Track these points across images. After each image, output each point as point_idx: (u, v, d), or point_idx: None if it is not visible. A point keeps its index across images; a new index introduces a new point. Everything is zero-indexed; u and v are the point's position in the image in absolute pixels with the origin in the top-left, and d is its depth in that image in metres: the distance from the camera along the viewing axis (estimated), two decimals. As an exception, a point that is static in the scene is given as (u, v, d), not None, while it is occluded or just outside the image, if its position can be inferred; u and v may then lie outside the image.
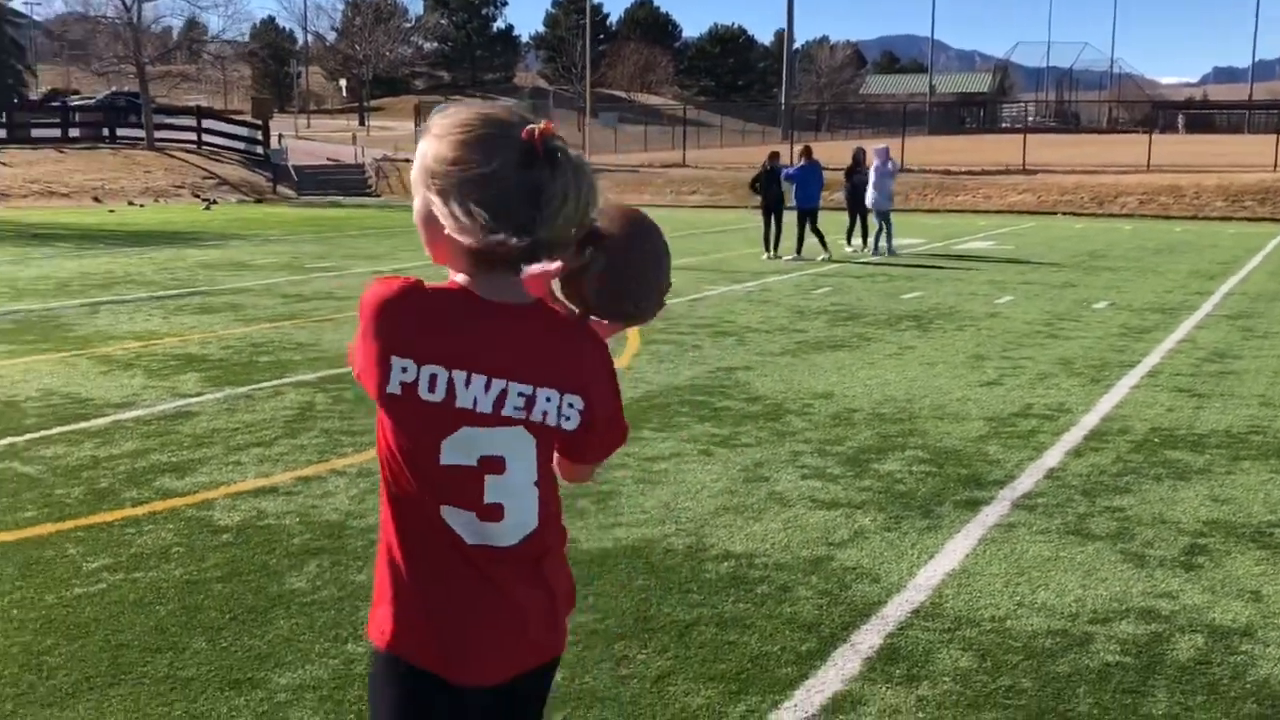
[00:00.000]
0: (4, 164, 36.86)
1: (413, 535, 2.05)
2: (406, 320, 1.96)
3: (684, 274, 17.67)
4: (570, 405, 2.07)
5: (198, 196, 37.00)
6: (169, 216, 29.95)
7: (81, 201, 34.07)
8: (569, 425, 2.08)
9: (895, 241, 21.64)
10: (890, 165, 21.15)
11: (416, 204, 2.03)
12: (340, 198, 40.06)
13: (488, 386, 2.00)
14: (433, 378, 1.97)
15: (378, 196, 41.86)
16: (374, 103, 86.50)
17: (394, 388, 1.96)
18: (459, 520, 2.04)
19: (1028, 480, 6.83)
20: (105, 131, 44.66)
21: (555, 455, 2.16)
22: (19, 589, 5.00)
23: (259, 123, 46.09)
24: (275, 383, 9.31)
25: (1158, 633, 4.72)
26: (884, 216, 20.96)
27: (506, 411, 2.02)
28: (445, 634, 2.06)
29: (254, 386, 9.14)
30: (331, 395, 8.88)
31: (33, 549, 5.48)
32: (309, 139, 54.04)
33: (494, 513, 2.06)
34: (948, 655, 4.52)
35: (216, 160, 42.92)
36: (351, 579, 5.17)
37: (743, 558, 5.54)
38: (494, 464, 2.04)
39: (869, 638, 4.69)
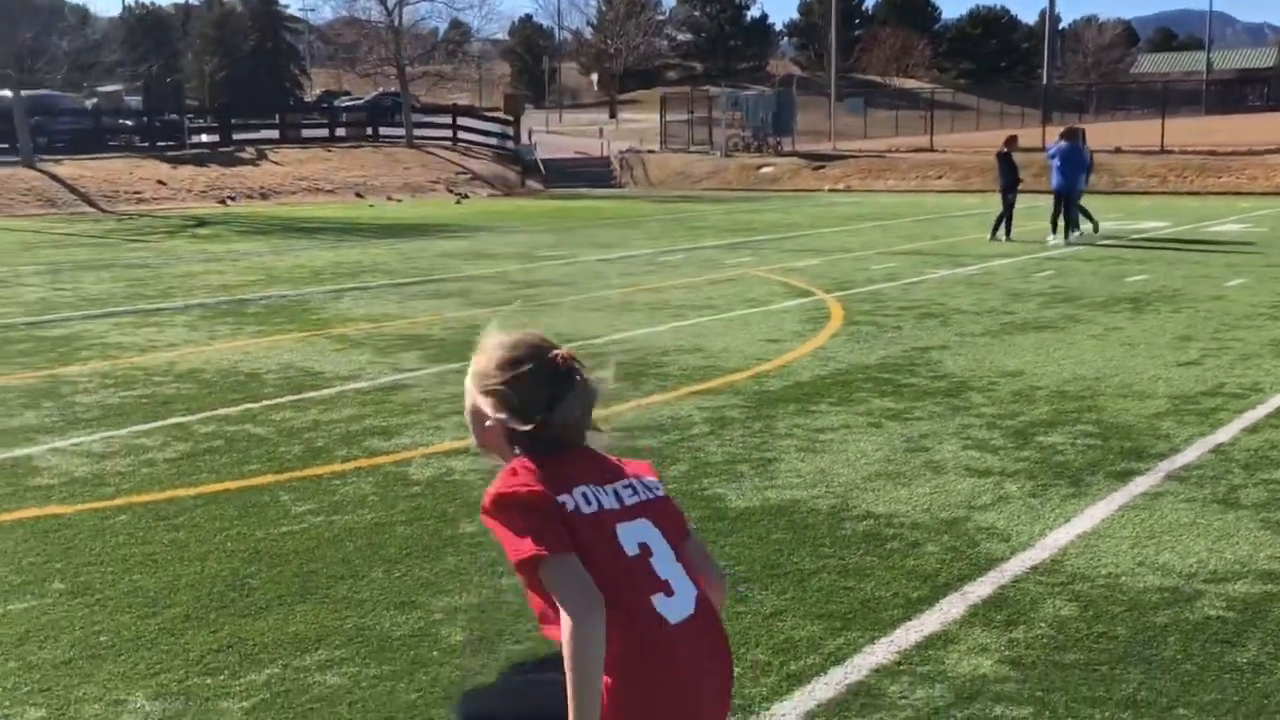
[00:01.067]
0: (276, 163, 39.78)
1: None
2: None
3: (906, 258, 17.83)
4: None
5: (451, 191, 39.02)
6: (423, 210, 31.79)
7: (345, 197, 36.47)
8: None
9: (1085, 229, 20.80)
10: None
11: (467, 402, 2.63)
12: (586, 189, 41.47)
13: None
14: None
15: (621, 187, 43.12)
16: (626, 95, 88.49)
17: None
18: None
19: (1191, 454, 6.94)
20: (369, 130, 47.49)
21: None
22: (235, 526, 5.87)
23: (510, 119, 48.11)
24: (486, 359, 10.15)
25: (1271, 593, 4.90)
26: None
27: None
28: None
29: (466, 363, 9.98)
30: (534, 370, 9.65)
31: (252, 495, 6.37)
32: (559, 133, 56.03)
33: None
34: (1051, 605, 4.83)
35: (470, 156, 45.07)
36: (516, 525, 5.83)
37: (882, 518, 5.94)
38: None
39: (980, 589, 5.03)
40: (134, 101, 46.66)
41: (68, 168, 33.88)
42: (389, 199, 36.59)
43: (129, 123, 41.92)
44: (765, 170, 42.34)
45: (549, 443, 2.52)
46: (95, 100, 44.44)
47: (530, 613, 2.49)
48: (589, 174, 44.89)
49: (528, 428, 2.50)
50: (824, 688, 4.17)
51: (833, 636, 4.57)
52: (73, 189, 31.96)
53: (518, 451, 2.54)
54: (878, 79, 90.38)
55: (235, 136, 42.86)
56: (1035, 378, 9.13)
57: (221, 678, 4.24)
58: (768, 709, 4.02)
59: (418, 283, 15.80)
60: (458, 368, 9.72)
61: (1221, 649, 4.39)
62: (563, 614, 2.31)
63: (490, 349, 2.62)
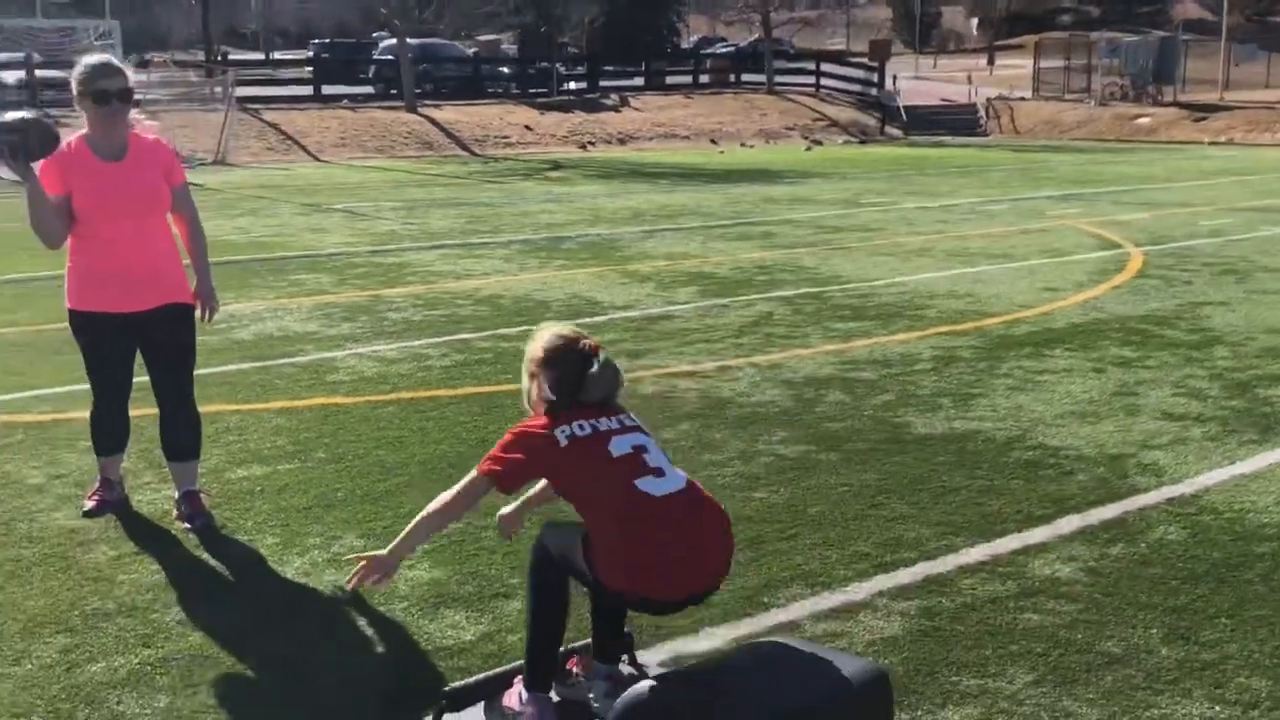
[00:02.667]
0: (637, 109, 41.72)
1: None
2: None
3: (1245, 215, 17.24)
4: None
5: (805, 138, 39.75)
6: (770, 157, 32.71)
7: (699, 144, 37.90)
8: None
9: None
10: None
11: (523, 377, 3.67)
12: (946, 137, 41.17)
13: None
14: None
15: (985, 135, 42.50)
16: (1008, 41, 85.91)
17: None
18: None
19: None
20: (732, 77, 48.78)
21: None
22: (474, 421, 7.02)
23: (875, 65, 48.18)
24: (755, 297, 11.00)
25: (1391, 536, 5.12)
26: None
27: None
28: None
29: (734, 299, 10.88)
30: (792, 308, 10.42)
31: (498, 399, 7.51)
32: (926, 79, 55.48)
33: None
34: (1162, 530, 5.26)
35: (830, 103, 45.56)
36: (713, 437, 6.71)
37: (1050, 449, 6.42)
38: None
39: (1104, 513, 5.51)
40: (512, 50, 49.82)
41: (446, 113, 36.91)
42: (741, 145, 37.70)
43: (506, 70, 44.94)
44: (1141, 121, 40.65)
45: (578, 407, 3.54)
46: (475, 49, 47.78)
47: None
48: (952, 121, 44.44)
49: (562, 405, 3.54)
50: (905, 575, 4.84)
51: (938, 539, 5.20)
52: (448, 133, 34.86)
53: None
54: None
55: (602, 84, 45.13)
56: (1300, 335, 9.10)
57: (416, 527, 5.37)
58: (844, 586, 4.74)
59: (728, 225, 16.76)
60: (725, 303, 10.64)
61: (1301, 577, 4.73)
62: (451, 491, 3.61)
63: (540, 339, 3.66)
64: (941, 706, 3.84)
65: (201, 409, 5.66)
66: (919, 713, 3.81)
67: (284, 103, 36.39)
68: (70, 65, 5.45)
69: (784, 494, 5.78)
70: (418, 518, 3.64)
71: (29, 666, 4.12)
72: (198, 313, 5.56)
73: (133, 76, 5.31)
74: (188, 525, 5.39)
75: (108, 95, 5.16)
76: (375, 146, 32.45)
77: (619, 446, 3.47)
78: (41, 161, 5.14)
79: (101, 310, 5.30)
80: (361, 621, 4.51)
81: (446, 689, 3.66)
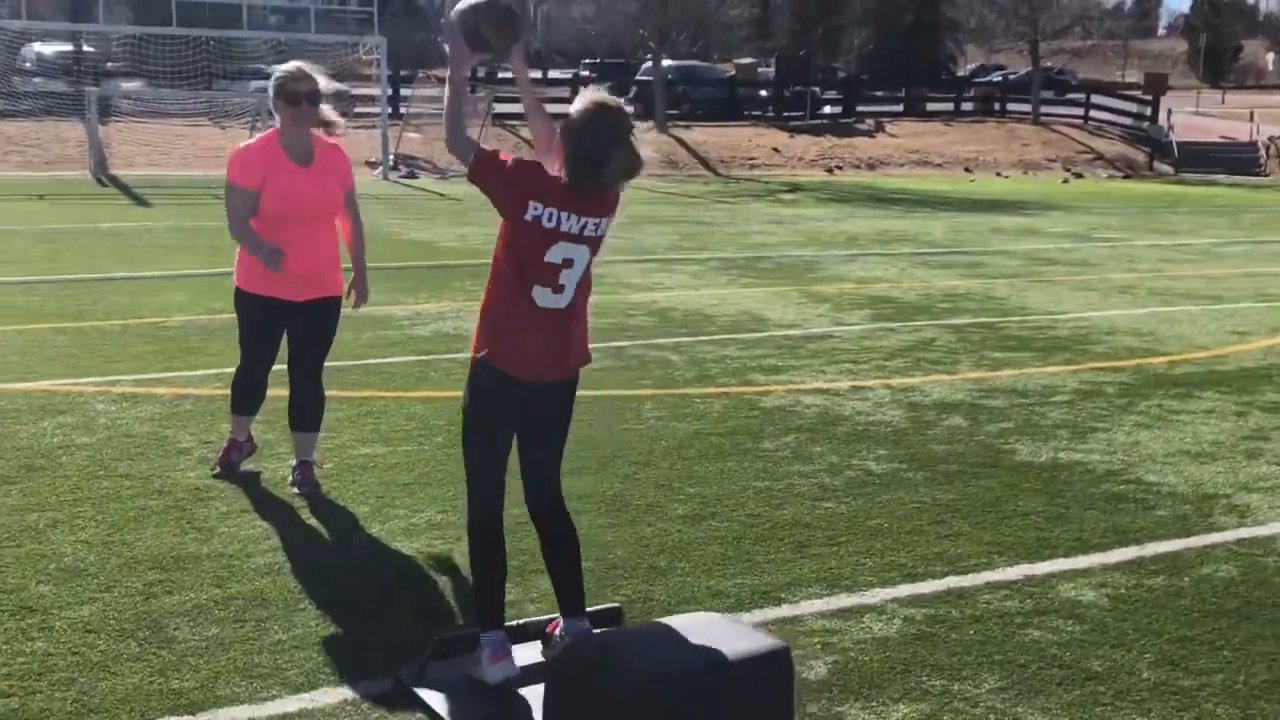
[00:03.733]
0: (891, 135, 41.62)
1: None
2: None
3: None
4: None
5: (1066, 170, 38.82)
6: (1023, 187, 32.17)
7: (952, 172, 37.54)
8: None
9: None
10: None
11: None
12: (1220, 176, 39.49)
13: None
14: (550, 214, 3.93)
15: (1265, 176, 40.54)
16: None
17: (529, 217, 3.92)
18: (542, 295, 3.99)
19: None
20: (996, 106, 48.02)
21: None
22: (594, 420, 7.49)
23: (1148, 98, 46.58)
24: (925, 323, 11.13)
25: None
26: None
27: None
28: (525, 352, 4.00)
29: (904, 324, 11.04)
30: (958, 335, 10.52)
31: (624, 402, 7.97)
32: (1207, 114, 53.19)
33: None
34: (1214, 567, 5.31)
35: (1098, 136, 44.32)
36: (811, 450, 6.99)
37: (1145, 485, 6.45)
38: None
39: (1164, 547, 5.57)
40: (769, 73, 50.34)
41: (695, 133, 37.76)
42: (997, 175, 37.15)
43: (763, 93, 45.53)
44: None
45: (593, 185, 3.93)
46: (731, 71, 48.51)
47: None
48: (1229, 159, 42.56)
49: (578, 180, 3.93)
50: (928, 586, 5.06)
51: (979, 557, 5.38)
52: (695, 153, 35.67)
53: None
54: None
55: (859, 108, 45.18)
56: None
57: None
58: (863, 590, 5.00)
59: (938, 253, 16.78)
60: (893, 327, 10.83)
61: (1331, 621, 4.72)
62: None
63: (580, 101, 3.93)
64: (897, 701, 4.08)
65: (355, 394, 6.33)
66: (873, 703, 4.07)
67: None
68: (344, 78, 6.20)
69: (851, 506, 6.04)
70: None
71: (116, 594, 4.80)
72: (350, 302, 6.19)
73: (324, 82, 5.94)
74: (295, 490, 6.05)
75: (298, 96, 5.80)
76: (622, 164, 33.50)
77: (555, 253, 3.92)
78: (243, 149, 5.90)
79: (268, 295, 5.97)
80: (410, 585, 5.04)
81: (436, 638, 4.14)
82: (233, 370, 6.35)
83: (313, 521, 5.74)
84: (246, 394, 6.30)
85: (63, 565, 5.06)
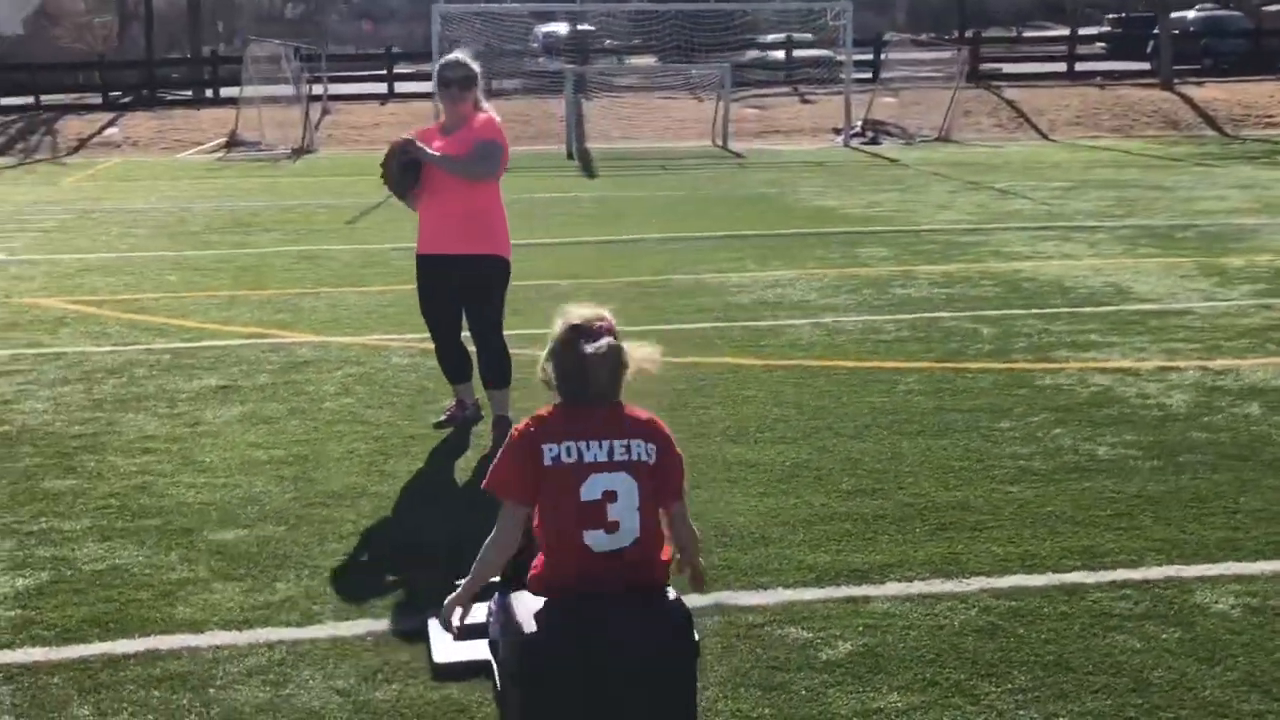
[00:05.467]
0: None
1: None
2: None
3: None
4: None
5: None
6: None
7: None
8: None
9: None
10: None
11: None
12: None
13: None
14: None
15: None
16: None
17: None
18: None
19: None
20: None
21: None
22: (849, 392, 7.46)
23: None
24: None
25: None
26: None
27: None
28: None
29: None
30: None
31: (883, 374, 7.85)
32: None
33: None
34: None
35: None
36: (1048, 432, 6.65)
37: None
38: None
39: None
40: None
41: (1206, 90, 35.03)
42: None
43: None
44: None
45: (581, 398, 3.67)
46: (1257, 20, 44.33)
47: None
48: None
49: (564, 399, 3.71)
50: (1043, 578, 4.78)
51: (1133, 553, 5.00)
52: (1201, 112, 33.14)
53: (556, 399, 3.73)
54: None
55: None
56: None
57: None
58: (970, 577, 4.79)
59: None
60: (1273, 303, 9.88)
61: None
62: (494, 530, 3.71)
63: (556, 328, 3.69)
64: (891, 690, 3.95)
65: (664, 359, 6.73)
66: (865, 689, 3.96)
67: (1028, 80, 36.67)
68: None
69: (1038, 491, 5.74)
70: (476, 564, 3.77)
71: (284, 486, 5.59)
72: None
73: (474, 67, 6.62)
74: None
75: (448, 82, 6.58)
76: (1111, 125, 31.75)
77: (591, 489, 3.58)
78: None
79: (424, 252, 6.69)
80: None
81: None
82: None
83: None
84: (444, 363, 7.01)
85: (250, 494, 5.81)
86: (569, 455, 3.59)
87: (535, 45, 38.19)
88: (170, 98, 35.92)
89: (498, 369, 6.75)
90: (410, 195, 6.61)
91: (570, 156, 25.64)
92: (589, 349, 3.62)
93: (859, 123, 29.29)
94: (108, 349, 8.83)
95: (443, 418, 6.93)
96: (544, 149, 27.04)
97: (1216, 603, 4.53)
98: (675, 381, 7.67)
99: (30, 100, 33.38)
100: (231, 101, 30.54)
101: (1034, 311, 9.68)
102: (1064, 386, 7.50)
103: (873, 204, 17.06)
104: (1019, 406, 7.08)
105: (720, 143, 27.65)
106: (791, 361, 8.21)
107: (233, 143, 27.66)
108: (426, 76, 28.32)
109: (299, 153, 26.29)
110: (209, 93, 35.57)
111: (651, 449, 3.67)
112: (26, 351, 8.79)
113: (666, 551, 3.75)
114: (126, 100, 34.84)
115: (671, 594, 3.68)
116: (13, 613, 4.63)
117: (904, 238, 13.80)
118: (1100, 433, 6.56)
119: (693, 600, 4.54)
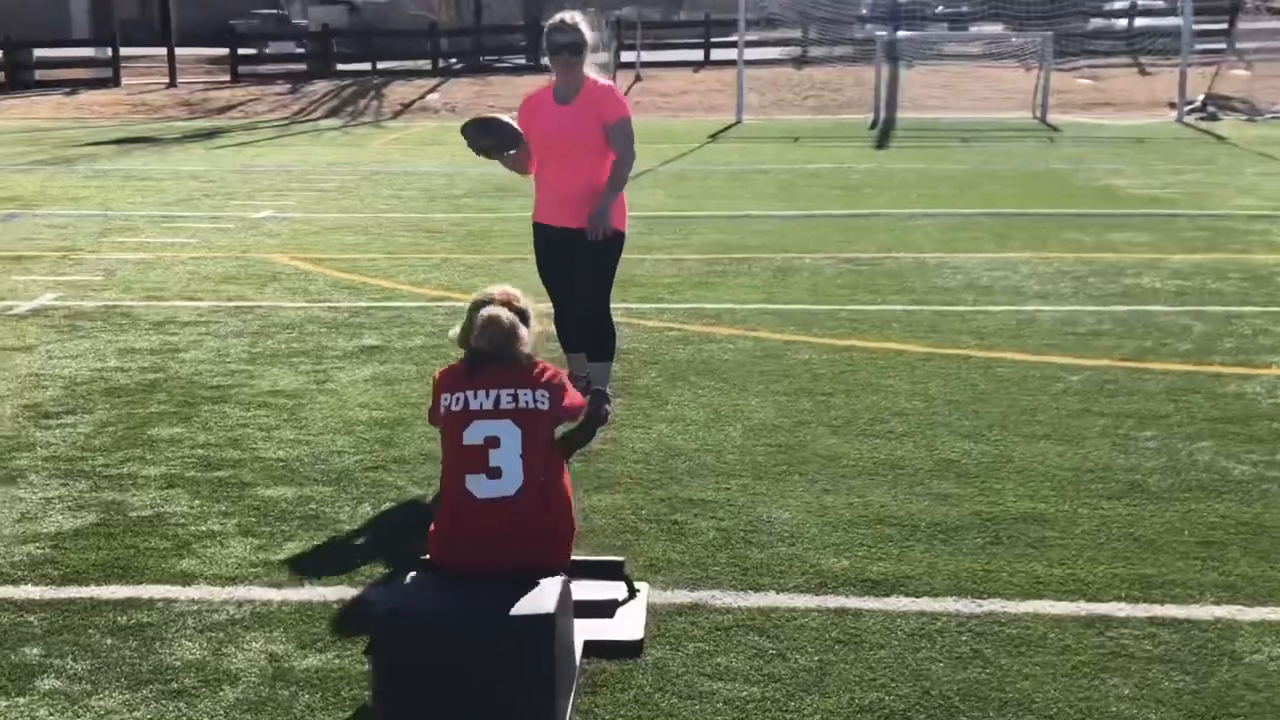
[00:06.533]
0: None
1: None
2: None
3: None
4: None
5: None
6: None
7: None
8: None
9: None
10: None
11: None
12: None
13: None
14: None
15: None
16: None
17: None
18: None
19: None
20: None
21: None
22: (1009, 389, 7.01)
23: None
24: None
25: None
26: None
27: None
28: None
29: None
30: None
31: (1042, 369, 7.31)
32: None
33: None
34: None
35: None
36: (1228, 449, 6.05)
37: None
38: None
39: None
40: None
41: None
42: None
43: None
44: None
45: (475, 357, 4.04)
46: None
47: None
48: None
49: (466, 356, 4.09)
50: (1104, 607, 4.36)
51: (1196, 594, 4.46)
52: None
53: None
54: None
55: None
56: None
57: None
58: (1009, 599, 4.41)
59: None
60: None
61: None
62: None
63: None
64: (809, 715, 3.67)
65: (750, 332, 6.60)
66: (788, 714, 3.69)
67: None
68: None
69: (1106, 508, 5.30)
70: None
71: (360, 448, 5.70)
72: (597, 234, 6.45)
73: (587, 32, 6.41)
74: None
75: (559, 47, 6.39)
76: None
77: (473, 434, 3.86)
78: (521, 112, 6.58)
79: (542, 221, 6.62)
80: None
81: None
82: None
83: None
84: (560, 329, 6.81)
85: (324, 452, 5.98)
86: (456, 404, 3.94)
87: (864, 11, 37.54)
88: (500, 64, 37.33)
89: (601, 342, 6.66)
90: (512, 158, 6.49)
91: (873, 126, 25.09)
92: (477, 317, 4.04)
93: (1199, 97, 27.34)
94: (297, 305, 9.28)
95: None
96: (848, 118, 26.62)
97: (1256, 652, 4.00)
98: (816, 366, 7.42)
99: (367, 66, 35.38)
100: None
101: (1270, 310, 8.79)
102: (1246, 395, 6.79)
103: (1167, 185, 15.88)
104: (1176, 414, 6.45)
105: (1038, 115, 26.42)
106: (958, 351, 7.76)
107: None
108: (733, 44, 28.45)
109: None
110: (529, 60, 36.67)
111: (544, 395, 3.96)
112: (226, 304, 9.33)
113: (566, 521, 3.96)
114: (458, 67, 36.42)
115: (554, 581, 3.60)
116: (40, 550, 4.94)
117: (1177, 223, 12.78)
118: (1250, 449, 5.91)
119: (672, 597, 4.44)
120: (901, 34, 30.05)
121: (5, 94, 32.99)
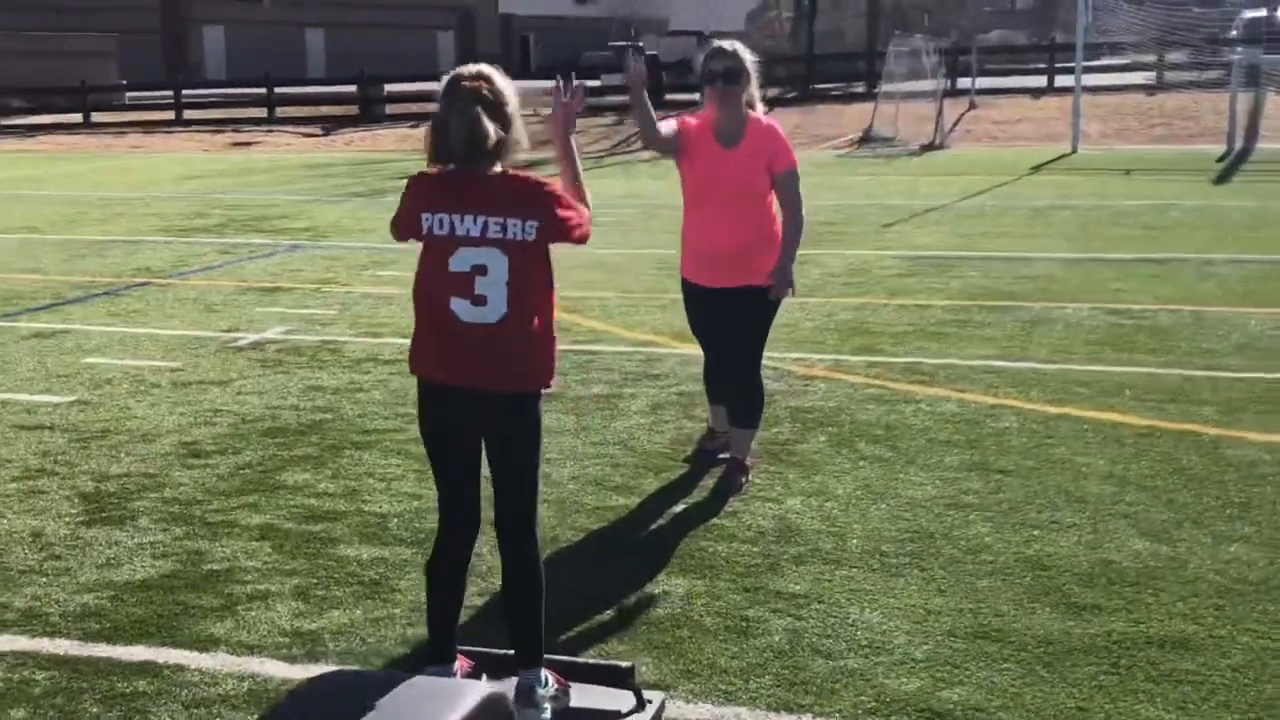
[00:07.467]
0: None
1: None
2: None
3: None
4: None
5: None
6: None
7: None
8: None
9: None
10: None
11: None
12: None
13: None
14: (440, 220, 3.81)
15: None
16: None
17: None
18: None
19: None
20: None
21: None
22: (1080, 447, 6.12)
23: None
24: None
25: None
26: None
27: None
28: None
29: None
30: None
31: (1179, 443, 6.33)
32: None
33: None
34: None
35: None
36: None
37: None
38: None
39: None
40: None
41: None
42: None
43: None
44: None
45: (454, 159, 3.83)
46: None
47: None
48: None
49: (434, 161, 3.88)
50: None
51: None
52: None
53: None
54: None
55: None
56: None
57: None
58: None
59: None
60: None
61: None
62: None
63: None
64: None
65: (958, 393, 6.14)
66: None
67: None
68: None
69: (1193, 549, 4.36)
70: None
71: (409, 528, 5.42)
72: (783, 293, 5.97)
73: (748, 60, 5.91)
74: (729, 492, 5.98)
75: (713, 75, 5.87)
76: None
77: (460, 262, 3.79)
78: (680, 123, 6.05)
79: (690, 279, 6.16)
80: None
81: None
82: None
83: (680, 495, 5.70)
84: (710, 381, 6.37)
85: (424, 509, 5.76)
86: (441, 227, 3.81)
87: (1234, 34, 34.93)
88: (834, 92, 36.80)
89: (746, 406, 6.15)
90: (644, 107, 5.71)
91: (1222, 158, 23.14)
92: (452, 117, 3.74)
93: None
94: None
95: (693, 450, 6.48)
96: (1199, 148, 24.61)
97: None
98: (1011, 436, 6.68)
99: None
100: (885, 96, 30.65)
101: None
102: None
103: None
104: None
105: None
106: (1186, 426, 6.80)
107: (866, 138, 27.77)
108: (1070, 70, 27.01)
109: (926, 149, 25.87)
110: (861, 87, 35.92)
111: (532, 226, 3.79)
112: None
113: (544, 349, 3.95)
114: (777, 94, 36.09)
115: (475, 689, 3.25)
116: (98, 601, 4.91)
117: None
118: None
119: (689, 712, 3.99)
120: (1267, 57, 27.67)
121: (356, 126, 35.00)
